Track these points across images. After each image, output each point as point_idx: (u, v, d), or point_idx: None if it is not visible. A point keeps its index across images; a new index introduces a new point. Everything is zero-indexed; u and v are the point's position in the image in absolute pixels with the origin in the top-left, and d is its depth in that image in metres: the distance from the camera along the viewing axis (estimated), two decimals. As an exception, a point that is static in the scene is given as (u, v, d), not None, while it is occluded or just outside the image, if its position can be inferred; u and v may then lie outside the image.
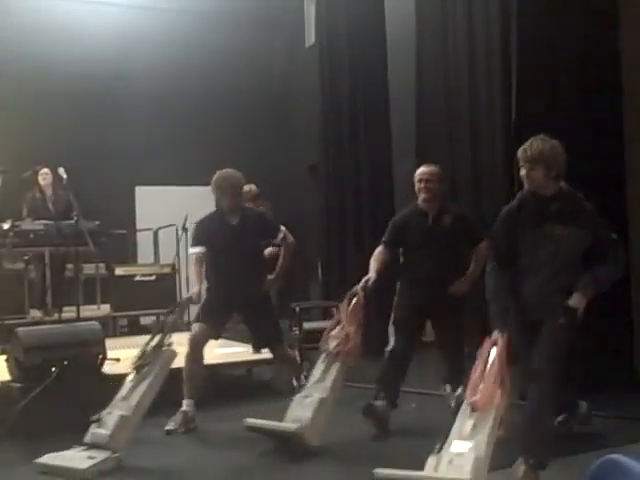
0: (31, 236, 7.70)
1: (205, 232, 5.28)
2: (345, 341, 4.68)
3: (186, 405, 4.95)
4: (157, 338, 4.70)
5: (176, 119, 10.73)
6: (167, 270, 8.86)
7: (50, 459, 4.14)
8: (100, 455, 4.10)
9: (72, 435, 4.49)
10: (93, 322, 5.51)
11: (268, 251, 6.05)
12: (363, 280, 4.94)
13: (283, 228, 5.39)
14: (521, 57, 5.61)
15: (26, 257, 8.22)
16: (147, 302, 8.48)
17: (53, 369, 4.76)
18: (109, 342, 5.36)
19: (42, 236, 7.70)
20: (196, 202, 10.73)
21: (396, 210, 7.48)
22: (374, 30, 8.34)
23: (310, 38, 10.85)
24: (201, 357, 5.09)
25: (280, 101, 11.52)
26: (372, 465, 3.55)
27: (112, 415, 4.27)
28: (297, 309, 7.01)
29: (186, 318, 7.25)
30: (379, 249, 5.19)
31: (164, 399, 4.64)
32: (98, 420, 4.27)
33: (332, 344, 4.71)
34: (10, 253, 7.86)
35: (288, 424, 4.35)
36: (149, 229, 9.95)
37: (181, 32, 10.94)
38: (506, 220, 4.20)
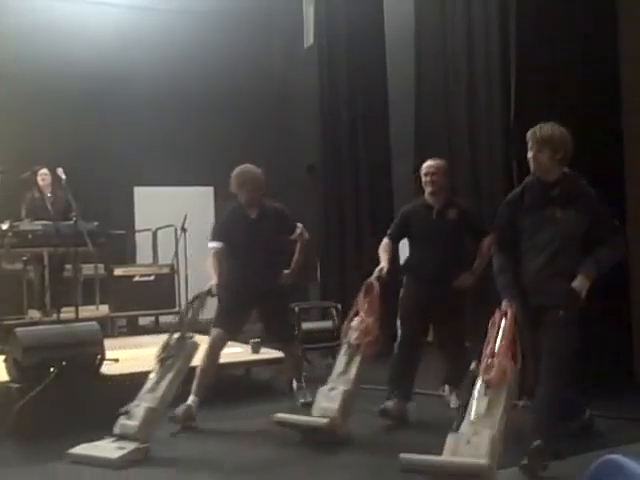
0: (30, 236, 7.69)
1: (224, 227, 5.40)
2: (365, 333, 4.77)
3: (191, 401, 5.03)
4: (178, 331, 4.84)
5: (175, 120, 10.73)
6: (166, 270, 8.87)
7: (82, 449, 4.28)
8: (129, 446, 4.26)
9: (71, 435, 4.50)
10: (92, 322, 5.51)
11: None
12: (377, 270, 5.03)
13: (300, 224, 5.50)
14: (520, 58, 5.61)
15: (25, 257, 8.22)
16: (146, 302, 8.49)
17: (52, 369, 4.75)
18: (108, 342, 5.36)
19: (41, 237, 7.69)
20: (195, 203, 10.78)
21: (395, 210, 7.48)
22: (373, 31, 8.34)
23: (309, 39, 10.86)
24: (217, 359, 5.23)
25: (279, 101, 11.52)
26: (395, 453, 3.66)
27: (140, 407, 4.43)
28: (296, 309, 7.02)
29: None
30: (385, 241, 5.32)
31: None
32: (126, 412, 4.43)
33: (352, 336, 4.81)
34: (9, 253, 7.85)
35: (318, 419, 4.49)
36: (148, 230, 9.95)
37: (180, 33, 10.94)
38: (510, 204, 4.30)
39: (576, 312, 3.99)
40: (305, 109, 10.09)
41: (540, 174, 4.13)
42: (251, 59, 11.19)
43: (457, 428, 3.65)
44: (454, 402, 5.27)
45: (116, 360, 5.57)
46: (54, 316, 7.44)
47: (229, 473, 4.13)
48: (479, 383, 3.81)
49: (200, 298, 5.17)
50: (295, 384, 5.56)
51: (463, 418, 3.71)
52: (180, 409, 4.95)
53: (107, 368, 5.32)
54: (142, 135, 10.52)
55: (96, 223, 7.94)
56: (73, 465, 4.21)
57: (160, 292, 8.62)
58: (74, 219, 7.10)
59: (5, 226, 7.51)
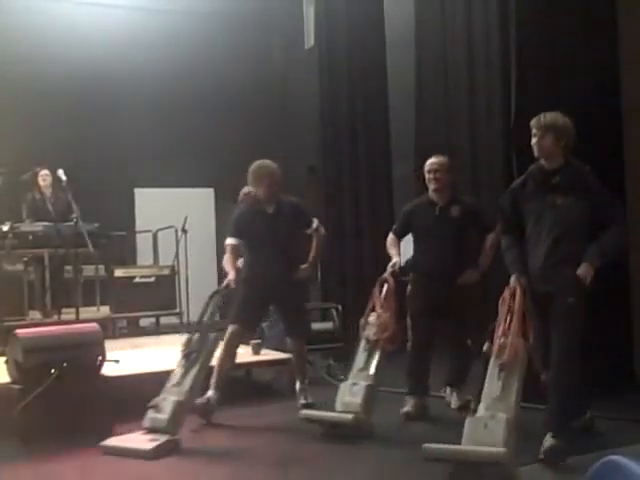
0: (30, 238, 7.69)
1: (241, 223, 5.46)
2: (382, 328, 4.87)
3: (211, 395, 5.14)
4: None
5: (175, 121, 10.73)
6: (166, 272, 8.86)
7: (116, 441, 4.46)
8: (161, 438, 4.42)
9: (72, 436, 4.51)
10: (92, 324, 5.50)
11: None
12: (390, 265, 5.12)
13: (316, 219, 5.55)
14: (520, 60, 5.61)
15: (25, 259, 8.21)
16: (146, 304, 8.48)
17: (52, 371, 4.74)
18: (108, 344, 5.34)
19: (41, 238, 7.69)
20: (195, 204, 10.79)
21: (395, 211, 7.49)
22: (373, 32, 8.35)
23: (309, 40, 10.86)
24: (234, 354, 5.33)
25: (280, 103, 11.52)
26: (416, 444, 3.90)
27: (167, 401, 4.59)
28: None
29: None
30: (390, 236, 5.40)
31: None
32: (155, 406, 4.57)
33: (370, 332, 4.91)
34: (9, 255, 7.84)
35: (343, 414, 4.64)
36: (148, 231, 9.95)
37: (180, 34, 10.94)
38: (512, 192, 4.42)
39: (583, 300, 4.06)
40: (305, 110, 10.09)
41: (544, 159, 4.21)
42: (251, 60, 11.18)
43: (474, 412, 3.85)
44: (455, 403, 5.29)
45: (117, 361, 5.56)
46: (55, 317, 7.45)
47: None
48: (492, 365, 3.96)
49: (218, 294, 5.23)
50: (298, 385, 5.56)
51: (479, 401, 3.90)
52: (200, 402, 5.06)
53: (108, 369, 5.32)
54: (143, 136, 10.52)
55: (97, 224, 7.94)
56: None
57: (161, 293, 8.61)
58: (75, 220, 7.10)
59: (6, 227, 7.51)
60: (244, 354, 6.24)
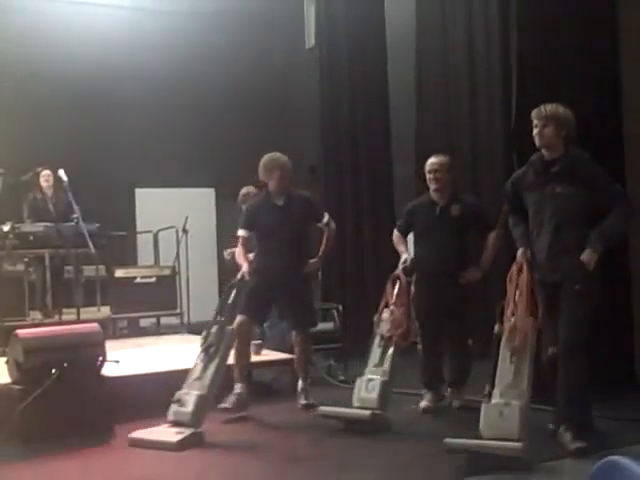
0: (31, 238, 7.69)
1: (251, 215, 5.54)
2: (396, 325, 4.93)
3: (239, 388, 5.26)
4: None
5: (176, 121, 10.73)
6: (167, 272, 8.85)
7: (142, 434, 4.59)
8: (186, 431, 4.54)
9: (72, 436, 4.51)
10: (93, 324, 5.50)
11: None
12: (401, 262, 5.19)
13: (327, 214, 5.59)
14: (520, 61, 5.62)
15: (26, 259, 8.22)
16: (147, 304, 8.47)
17: (53, 371, 4.75)
18: (109, 344, 5.35)
19: (42, 238, 7.69)
20: (196, 204, 10.79)
21: (396, 212, 7.50)
22: (374, 32, 8.35)
23: (310, 40, 10.86)
24: (248, 344, 5.43)
25: (280, 103, 11.52)
26: (433, 438, 4.23)
27: (190, 395, 4.69)
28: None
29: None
30: (396, 233, 5.46)
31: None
32: (178, 400, 4.67)
33: (384, 328, 4.99)
34: (10, 255, 7.84)
35: (361, 411, 4.76)
36: (149, 231, 9.96)
37: (181, 34, 10.94)
38: (513, 182, 4.52)
39: (592, 285, 4.12)
40: (306, 110, 10.09)
41: (545, 150, 4.26)
42: (252, 60, 11.18)
43: (489, 397, 4.02)
44: (455, 402, 5.30)
45: (117, 362, 5.57)
46: (55, 317, 7.44)
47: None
48: (503, 348, 4.09)
49: (234, 286, 5.24)
50: (300, 384, 5.56)
51: (493, 384, 4.06)
52: (231, 399, 5.16)
53: (108, 369, 5.32)
54: (143, 137, 10.52)
55: (97, 224, 7.93)
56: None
57: (161, 294, 8.61)
58: (75, 220, 7.10)
59: (7, 227, 7.50)
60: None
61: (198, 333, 5.25)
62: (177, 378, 4.96)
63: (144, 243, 10.37)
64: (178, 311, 8.71)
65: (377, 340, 5.03)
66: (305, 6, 11.15)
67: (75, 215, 7.17)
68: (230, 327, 5.06)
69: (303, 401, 5.45)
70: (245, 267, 5.28)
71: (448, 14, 7.31)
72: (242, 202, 6.85)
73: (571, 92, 5.30)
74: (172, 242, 9.04)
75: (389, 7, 8.34)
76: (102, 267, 8.61)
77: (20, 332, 5.06)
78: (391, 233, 5.68)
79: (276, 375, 6.34)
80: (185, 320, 8.70)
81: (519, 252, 4.34)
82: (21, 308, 8.09)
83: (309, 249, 5.59)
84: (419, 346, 5.28)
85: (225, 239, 9.14)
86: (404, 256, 5.24)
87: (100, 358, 5.07)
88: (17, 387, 4.83)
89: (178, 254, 8.86)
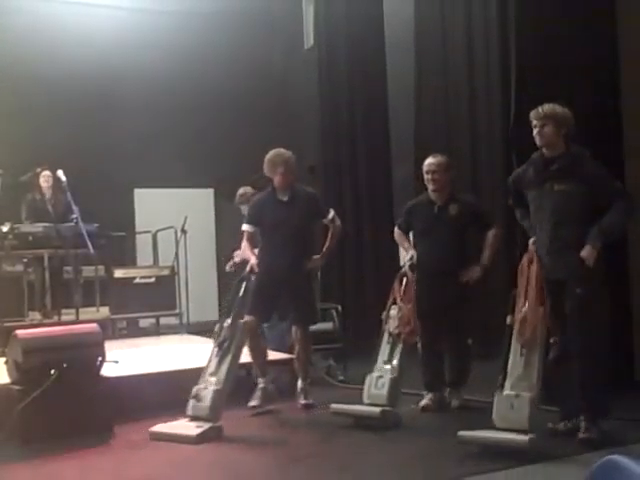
0: (30, 238, 7.67)
1: (256, 210, 5.57)
2: (404, 322, 4.98)
3: (263, 382, 5.42)
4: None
5: (175, 121, 10.72)
6: (166, 272, 8.84)
7: (162, 428, 4.72)
8: (205, 425, 4.67)
9: (71, 436, 4.50)
10: (92, 324, 5.50)
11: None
12: (407, 259, 5.21)
13: (332, 211, 5.58)
14: (520, 60, 5.62)
15: (25, 259, 8.21)
16: (146, 304, 8.47)
17: (52, 371, 4.74)
18: (108, 344, 5.35)
19: (41, 238, 7.67)
20: (195, 204, 10.78)
21: (395, 212, 7.50)
22: (373, 32, 8.35)
23: (309, 40, 10.85)
24: (259, 340, 5.50)
25: (279, 103, 11.50)
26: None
27: (207, 390, 4.80)
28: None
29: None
30: (397, 230, 5.51)
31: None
32: (196, 396, 4.78)
33: (392, 325, 5.04)
34: (9, 255, 7.84)
35: (371, 408, 4.84)
36: (148, 231, 9.94)
37: (180, 34, 10.92)
38: (514, 180, 4.57)
39: (596, 285, 4.17)
40: (305, 110, 10.09)
41: (546, 148, 4.29)
42: (251, 60, 11.17)
43: (501, 386, 4.15)
44: (455, 402, 5.30)
45: (116, 362, 5.56)
46: (55, 318, 7.44)
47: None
48: (514, 340, 4.18)
49: (244, 279, 5.28)
50: (300, 383, 5.57)
51: (505, 375, 4.17)
52: (257, 394, 5.30)
53: (107, 370, 5.32)
54: (142, 137, 10.49)
55: (96, 225, 7.93)
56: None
57: (160, 294, 8.60)
58: (74, 221, 7.09)
59: (5, 228, 7.50)
60: (244, 355, 6.24)
61: (197, 333, 5.27)
62: (176, 378, 4.98)
63: (143, 243, 10.35)
64: (177, 311, 8.70)
65: (385, 337, 5.08)
66: (304, 6, 11.14)
67: (74, 215, 7.17)
68: (242, 321, 5.11)
69: (303, 401, 5.45)
70: (253, 260, 5.33)
71: (447, 13, 7.32)
72: (239, 202, 6.85)
73: (570, 92, 5.30)
74: (171, 242, 9.03)
75: (388, 7, 8.34)
76: (101, 267, 8.61)
77: (19, 332, 5.05)
78: (391, 233, 5.69)
79: (276, 375, 6.32)
80: (184, 320, 8.70)
81: (530, 241, 4.40)
82: (20, 308, 8.09)
83: (313, 245, 5.60)
84: (419, 345, 5.29)
85: (224, 239, 9.16)
86: (410, 252, 5.26)
87: (99, 358, 5.07)
88: (16, 387, 4.82)
89: (177, 254, 8.85)
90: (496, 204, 6.61)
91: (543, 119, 4.25)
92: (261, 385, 5.41)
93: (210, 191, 11.35)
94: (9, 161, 8.10)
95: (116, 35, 10.60)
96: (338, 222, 5.63)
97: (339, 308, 7.07)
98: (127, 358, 5.97)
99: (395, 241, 5.68)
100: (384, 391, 4.88)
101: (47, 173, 8.23)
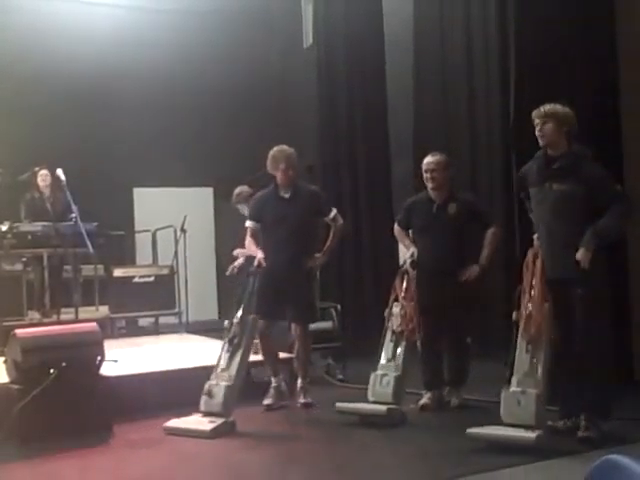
0: (29, 237, 7.66)
1: (258, 206, 5.59)
2: (407, 320, 5.00)
3: (275, 381, 5.47)
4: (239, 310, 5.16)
5: (174, 120, 10.72)
6: (165, 271, 8.85)
7: (176, 423, 4.80)
8: (218, 420, 4.75)
9: (71, 436, 4.50)
10: (91, 323, 5.50)
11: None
12: (408, 256, 5.20)
13: (334, 209, 5.59)
14: (519, 59, 5.62)
15: (24, 259, 8.21)
16: (145, 303, 8.47)
17: (51, 371, 4.74)
18: (107, 343, 5.35)
19: (40, 237, 7.67)
20: (194, 203, 10.77)
21: (394, 211, 7.49)
22: (372, 31, 8.34)
23: (308, 39, 10.84)
24: (270, 341, 5.51)
25: (278, 102, 11.50)
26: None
27: (219, 386, 4.89)
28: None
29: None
30: (397, 227, 5.51)
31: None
32: (209, 392, 4.85)
33: (395, 323, 5.05)
34: (8, 254, 7.83)
35: (377, 406, 4.88)
36: (147, 230, 9.94)
37: (179, 33, 10.92)
38: (521, 177, 4.61)
39: (597, 286, 4.18)
40: (304, 109, 10.08)
41: (548, 147, 4.31)
42: (250, 59, 11.16)
43: (508, 382, 4.21)
44: (454, 401, 5.30)
45: (116, 361, 5.56)
46: (54, 317, 7.44)
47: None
48: (520, 336, 4.23)
49: (252, 274, 5.29)
50: (299, 382, 5.57)
51: (511, 370, 4.22)
52: (271, 393, 5.36)
53: (107, 369, 5.32)
54: (141, 136, 10.50)
55: (95, 224, 7.92)
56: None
57: (160, 293, 8.61)
58: (73, 220, 7.09)
59: (5, 227, 7.49)
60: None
61: (197, 332, 5.27)
62: (176, 377, 4.97)
63: (142, 242, 10.35)
64: (176, 310, 8.71)
65: (388, 335, 5.09)
66: (303, 5, 11.13)
67: (73, 214, 7.16)
68: (252, 316, 5.14)
69: (302, 399, 5.45)
70: (260, 254, 5.33)
71: (446, 13, 7.31)
72: (236, 202, 6.85)
73: (570, 92, 5.30)
74: (170, 241, 9.03)
75: (387, 7, 8.33)
76: (100, 266, 8.62)
77: (18, 332, 5.05)
78: (390, 231, 5.69)
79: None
80: (184, 319, 8.69)
81: (535, 236, 4.42)
82: (19, 308, 8.09)
83: (315, 243, 5.59)
84: (418, 344, 5.28)
85: (223, 238, 9.15)
86: (411, 250, 5.25)
87: (98, 358, 5.07)
88: (15, 387, 4.82)
89: (176, 253, 8.84)
90: (495, 203, 6.62)
91: (544, 117, 4.28)
92: (274, 384, 5.47)
93: (209, 190, 11.36)
94: (8, 160, 8.11)
95: (115, 34, 10.60)
96: (340, 221, 5.62)
97: (338, 307, 7.06)
98: (126, 357, 5.97)
99: (394, 240, 5.69)
100: (389, 389, 4.91)
101: (45, 172, 8.22)
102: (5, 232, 7.47)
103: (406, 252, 5.34)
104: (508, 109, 5.76)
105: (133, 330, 8.86)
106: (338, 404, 5.04)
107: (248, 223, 5.58)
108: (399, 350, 5.03)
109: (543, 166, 4.35)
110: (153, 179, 10.67)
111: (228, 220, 5.82)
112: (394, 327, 5.05)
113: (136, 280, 8.61)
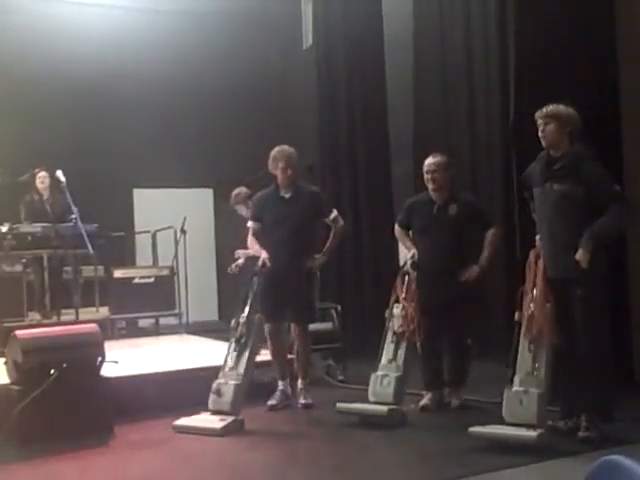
0: (29, 239, 7.65)
1: (258, 206, 5.62)
2: (408, 321, 5.01)
3: (282, 385, 5.50)
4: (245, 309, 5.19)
5: (174, 121, 10.72)
6: (165, 272, 8.85)
7: (186, 421, 4.87)
8: (228, 418, 4.82)
9: (71, 437, 4.50)
10: (92, 324, 5.50)
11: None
12: (409, 257, 5.21)
13: (335, 210, 5.61)
14: (519, 59, 5.62)
15: (24, 260, 8.20)
16: (146, 304, 8.47)
17: (52, 371, 4.74)
18: (108, 344, 5.35)
19: (40, 239, 7.66)
20: (194, 204, 10.78)
21: (394, 211, 7.49)
22: (372, 31, 8.34)
23: (308, 40, 10.84)
24: (280, 344, 5.57)
25: (278, 102, 11.50)
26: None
27: (228, 385, 4.94)
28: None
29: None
30: (397, 228, 5.50)
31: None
32: (217, 391, 4.91)
33: (396, 324, 5.07)
34: (8, 256, 7.83)
35: (378, 407, 4.90)
36: (147, 231, 9.94)
37: (179, 34, 10.92)
38: (525, 177, 4.62)
39: (597, 286, 4.20)
40: (304, 109, 10.07)
41: (550, 147, 4.32)
42: (250, 60, 11.16)
43: (511, 381, 4.23)
44: (455, 402, 5.30)
45: (116, 362, 5.56)
46: (54, 318, 7.43)
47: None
48: (523, 336, 4.25)
49: (257, 273, 5.29)
50: (300, 383, 5.57)
51: (514, 370, 4.25)
52: (276, 395, 5.39)
53: (107, 370, 5.32)
54: (141, 136, 10.49)
55: (95, 225, 7.91)
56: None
57: (160, 294, 8.61)
58: (73, 221, 7.08)
59: (4, 228, 7.49)
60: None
61: (197, 333, 5.27)
62: (176, 378, 4.97)
63: (142, 243, 10.35)
64: (177, 311, 8.71)
65: (389, 336, 5.10)
66: (302, 6, 11.13)
67: (73, 216, 7.15)
68: (258, 315, 5.16)
69: (302, 400, 5.45)
70: (264, 254, 5.33)
71: (446, 13, 7.31)
72: (234, 203, 6.85)
73: (569, 92, 5.30)
74: (170, 242, 9.03)
75: (387, 7, 8.33)
76: (101, 267, 8.62)
77: (19, 333, 5.05)
78: (390, 232, 5.69)
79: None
80: (184, 320, 8.70)
81: (537, 237, 4.44)
82: (20, 309, 8.08)
83: (315, 244, 5.59)
84: (418, 344, 5.28)
85: (223, 239, 9.14)
86: (412, 251, 5.25)
87: (99, 358, 5.07)
88: (16, 388, 4.82)
89: (176, 254, 8.85)
90: (495, 203, 6.61)
91: (546, 118, 4.30)
92: (280, 387, 5.49)
93: (209, 191, 11.36)
94: (8, 161, 8.10)
95: (114, 34, 10.60)
96: (341, 222, 5.62)
97: (338, 308, 7.07)
98: (127, 358, 5.97)
99: (394, 240, 5.69)
100: (390, 389, 4.92)
101: (43, 174, 8.20)
102: (5, 233, 7.47)
103: (406, 253, 5.34)
104: (508, 109, 5.76)
105: (133, 331, 8.86)
106: (339, 404, 5.05)
107: (250, 223, 5.60)
108: (400, 351, 5.04)
109: (545, 166, 4.36)
110: (153, 180, 10.67)
111: (228, 221, 5.82)
112: (395, 328, 5.06)
113: (136, 281, 8.61)
